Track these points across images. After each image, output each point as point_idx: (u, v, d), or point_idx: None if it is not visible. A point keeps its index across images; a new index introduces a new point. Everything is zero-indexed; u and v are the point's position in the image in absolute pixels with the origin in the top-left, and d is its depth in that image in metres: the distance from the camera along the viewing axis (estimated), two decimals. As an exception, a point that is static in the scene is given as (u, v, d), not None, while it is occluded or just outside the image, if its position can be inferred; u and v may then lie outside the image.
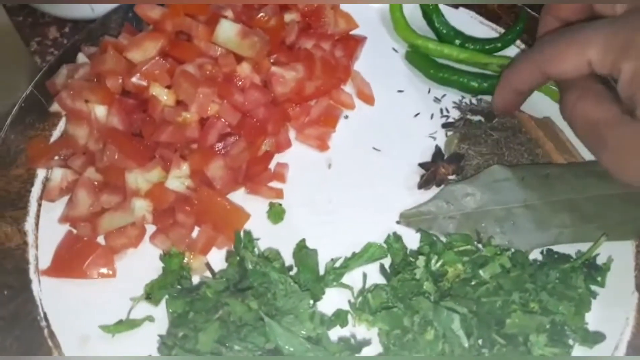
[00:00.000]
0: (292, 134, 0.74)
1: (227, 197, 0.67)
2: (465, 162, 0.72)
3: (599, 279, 0.65)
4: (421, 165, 0.73)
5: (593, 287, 0.64)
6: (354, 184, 0.72)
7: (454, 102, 0.78)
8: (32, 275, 0.62)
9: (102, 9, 0.78)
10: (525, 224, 0.66)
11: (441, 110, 0.78)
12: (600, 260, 0.65)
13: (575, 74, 0.58)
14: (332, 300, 0.63)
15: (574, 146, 0.73)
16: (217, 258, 0.65)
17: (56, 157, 0.67)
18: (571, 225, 0.66)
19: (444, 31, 0.81)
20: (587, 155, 0.69)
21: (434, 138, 0.75)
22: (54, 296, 0.61)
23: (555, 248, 0.66)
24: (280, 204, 0.69)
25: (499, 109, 0.72)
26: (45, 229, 0.65)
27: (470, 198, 0.67)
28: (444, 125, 0.76)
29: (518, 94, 0.68)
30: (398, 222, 0.68)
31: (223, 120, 0.65)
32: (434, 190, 0.71)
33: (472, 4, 0.83)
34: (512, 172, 0.69)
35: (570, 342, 0.61)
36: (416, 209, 0.68)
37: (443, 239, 0.66)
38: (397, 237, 0.67)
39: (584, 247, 0.66)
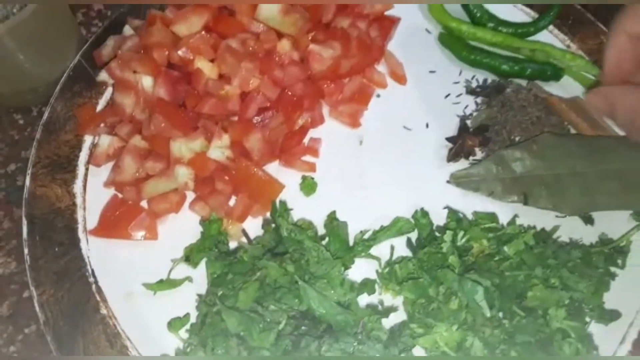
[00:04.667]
0: (325, 110, 0.77)
1: (263, 169, 0.70)
2: (491, 134, 0.74)
3: (619, 260, 0.67)
4: (448, 139, 0.75)
5: (612, 269, 0.67)
6: (384, 160, 0.75)
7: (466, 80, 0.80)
8: (81, 234, 0.66)
9: (146, -17, 0.81)
10: (571, 189, 0.69)
11: (471, 91, 0.80)
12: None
13: None
14: (361, 269, 0.67)
15: (607, 123, 0.75)
16: (252, 226, 0.69)
17: (102, 125, 0.70)
18: (616, 193, 0.68)
19: (478, 14, 0.82)
20: (620, 132, 0.71)
21: (464, 114, 0.77)
22: (100, 254, 0.66)
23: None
24: (313, 177, 0.72)
25: (611, 65, 0.61)
26: (92, 192, 0.69)
27: (519, 163, 0.70)
28: (470, 92, 0.79)
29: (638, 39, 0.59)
30: (448, 182, 0.72)
31: (262, 94, 0.68)
32: (461, 164, 0.73)
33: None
34: (561, 141, 0.71)
35: (587, 319, 0.64)
36: (466, 170, 0.71)
37: (479, 208, 0.69)
38: (424, 213, 0.69)
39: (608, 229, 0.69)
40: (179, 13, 0.68)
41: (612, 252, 0.67)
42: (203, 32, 0.67)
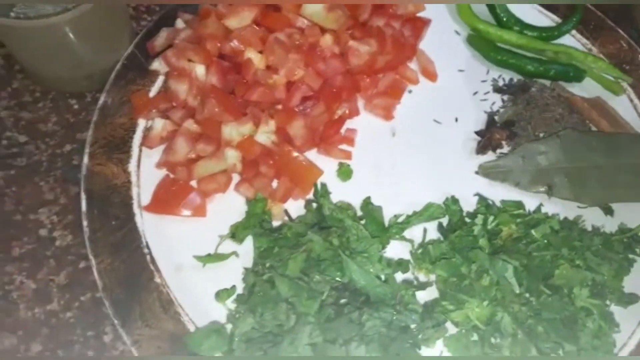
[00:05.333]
0: (360, 103, 0.82)
1: (304, 155, 0.75)
2: (518, 129, 0.79)
3: (637, 249, 0.71)
4: (477, 132, 0.80)
5: (631, 256, 0.71)
6: (415, 151, 0.79)
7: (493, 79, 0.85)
8: (136, 209, 0.71)
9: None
10: (592, 181, 0.74)
11: (497, 89, 0.84)
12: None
13: None
14: (395, 250, 0.71)
15: (627, 122, 0.79)
16: (293, 208, 0.74)
17: (154, 110, 0.75)
18: (633, 186, 0.74)
19: (504, 18, 0.87)
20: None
21: (491, 110, 0.82)
22: (154, 228, 0.70)
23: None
24: (349, 165, 0.77)
25: None
26: (145, 171, 0.73)
27: (544, 156, 0.75)
28: (497, 90, 0.84)
29: None
30: (476, 173, 0.76)
31: (306, 84, 0.73)
32: (489, 156, 0.78)
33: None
34: (583, 136, 0.77)
35: (607, 302, 0.68)
36: (494, 162, 0.76)
37: (505, 198, 0.74)
38: (455, 200, 0.74)
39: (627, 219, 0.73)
40: (230, 8, 0.73)
41: (631, 240, 0.71)
42: (253, 26, 0.72)
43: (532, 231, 0.68)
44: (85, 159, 0.72)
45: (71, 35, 0.71)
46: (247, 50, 0.71)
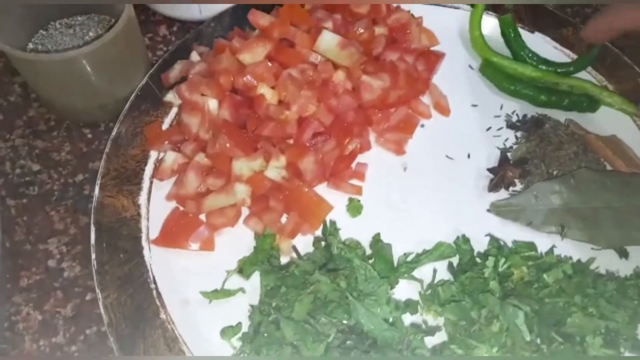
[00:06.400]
0: (372, 137, 0.82)
1: (314, 190, 0.74)
2: (531, 166, 0.78)
3: (653, 294, 0.70)
4: (490, 170, 0.79)
5: (647, 301, 0.69)
6: (427, 186, 0.78)
7: (507, 114, 0.84)
8: (144, 242, 0.71)
9: (209, 12, 0.87)
10: (606, 223, 0.72)
11: (511, 125, 0.84)
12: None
13: None
14: (404, 290, 0.70)
15: None
16: (302, 244, 0.73)
17: (167, 142, 0.76)
18: None
19: (520, 51, 0.87)
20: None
21: (504, 147, 0.81)
22: (161, 262, 0.70)
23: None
24: (359, 200, 0.77)
25: (588, 36, 0.76)
26: (155, 204, 0.73)
27: (557, 195, 0.74)
28: (510, 126, 0.83)
29: (612, 31, 0.73)
30: (488, 210, 0.76)
31: (318, 120, 0.73)
32: (501, 194, 0.77)
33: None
34: (598, 176, 0.75)
35: (622, 349, 0.66)
36: (507, 200, 0.75)
37: (517, 237, 0.73)
38: (466, 239, 0.73)
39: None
40: (244, 43, 0.73)
41: (646, 285, 0.70)
42: (265, 61, 0.72)
43: (544, 275, 0.66)
44: (97, 191, 0.72)
45: (88, 68, 0.72)
46: (260, 85, 0.72)
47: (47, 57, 0.68)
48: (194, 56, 0.79)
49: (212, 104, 0.72)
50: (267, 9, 0.78)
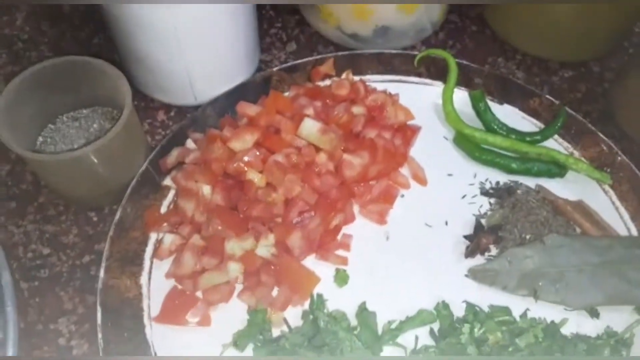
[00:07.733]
0: (355, 208, 0.88)
1: (302, 263, 0.80)
2: (504, 232, 0.84)
3: (623, 352, 0.74)
4: (465, 237, 0.85)
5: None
6: (408, 254, 0.84)
7: (480, 182, 0.91)
8: (146, 321, 0.76)
9: (203, 98, 0.95)
10: (578, 285, 0.77)
11: (485, 193, 0.90)
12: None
13: None
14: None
15: (609, 225, 0.84)
16: (292, 314, 0.78)
17: (165, 224, 0.82)
18: (618, 289, 0.77)
19: (491, 123, 0.94)
20: (621, 233, 0.83)
21: (479, 213, 0.87)
22: (162, 339, 0.75)
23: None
24: (345, 270, 0.82)
25: None
26: (156, 283, 0.80)
27: (529, 260, 0.79)
28: (484, 194, 0.89)
29: None
30: (466, 276, 0.81)
31: (303, 200, 0.79)
32: (477, 260, 0.83)
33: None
34: (567, 240, 0.81)
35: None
36: (483, 265, 0.81)
37: (494, 301, 0.78)
38: (446, 305, 0.78)
39: (613, 322, 0.76)
40: (234, 132, 0.81)
41: (616, 344, 0.74)
42: (254, 149, 0.80)
43: (517, 340, 0.71)
44: (102, 274, 0.78)
45: (95, 162, 0.78)
46: (249, 171, 0.79)
47: (55, 158, 0.75)
48: (189, 143, 0.87)
49: (206, 189, 0.79)
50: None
